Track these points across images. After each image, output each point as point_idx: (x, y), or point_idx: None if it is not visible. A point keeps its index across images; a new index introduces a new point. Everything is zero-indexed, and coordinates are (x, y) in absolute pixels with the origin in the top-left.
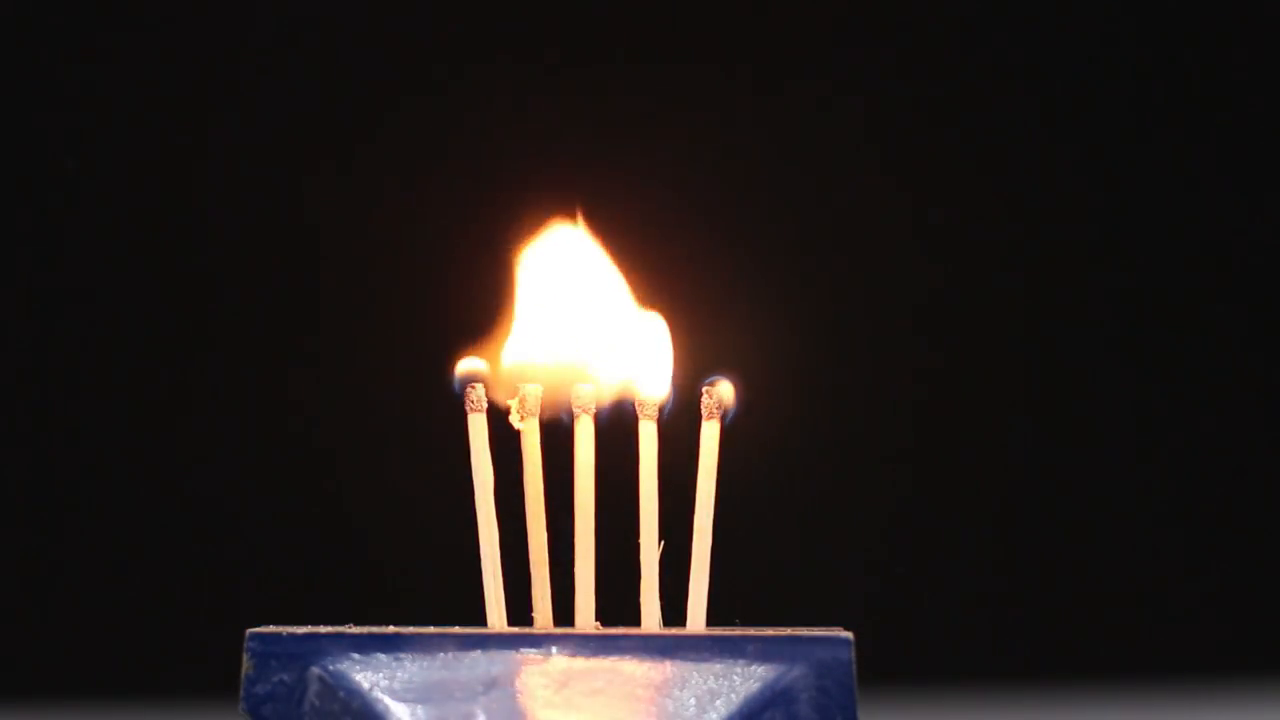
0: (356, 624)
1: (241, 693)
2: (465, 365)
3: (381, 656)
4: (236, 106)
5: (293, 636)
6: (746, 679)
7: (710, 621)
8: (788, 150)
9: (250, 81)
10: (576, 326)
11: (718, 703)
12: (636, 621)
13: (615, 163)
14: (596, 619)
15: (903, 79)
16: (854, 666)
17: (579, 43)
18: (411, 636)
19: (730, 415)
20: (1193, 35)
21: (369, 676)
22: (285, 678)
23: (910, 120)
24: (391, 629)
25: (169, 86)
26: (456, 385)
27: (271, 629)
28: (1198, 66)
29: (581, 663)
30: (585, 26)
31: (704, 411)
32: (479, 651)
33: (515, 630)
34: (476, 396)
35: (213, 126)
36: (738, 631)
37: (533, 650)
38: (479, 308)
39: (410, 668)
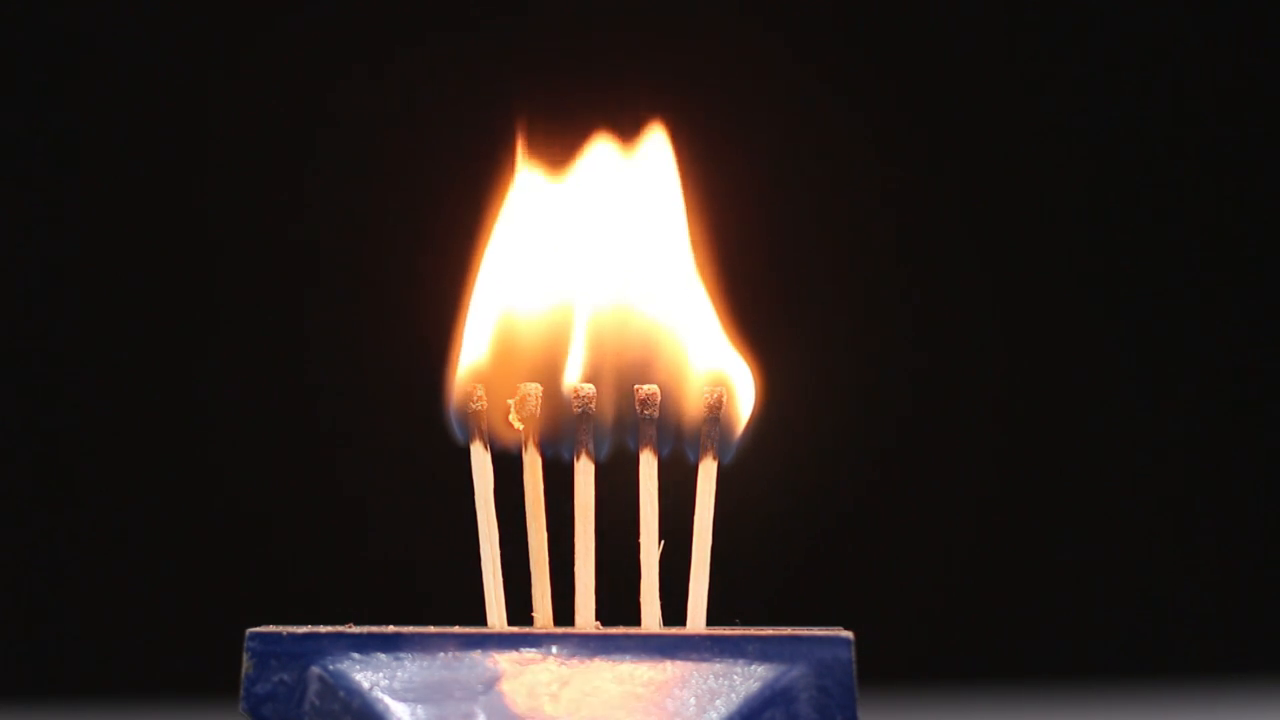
0: (357, 624)
1: (241, 693)
2: (461, 382)
3: (381, 656)
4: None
5: (293, 636)
6: (746, 679)
7: (710, 621)
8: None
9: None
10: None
11: (718, 702)
12: (636, 621)
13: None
14: (596, 619)
15: (937, 83)
16: (854, 666)
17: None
18: (411, 636)
19: (730, 449)
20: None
21: (369, 676)
22: (285, 677)
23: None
24: (391, 629)
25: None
26: (454, 414)
27: (271, 629)
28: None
29: (581, 663)
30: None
31: (705, 409)
32: (479, 651)
33: (515, 630)
34: (478, 396)
35: (214, 123)
36: (738, 631)
37: (533, 650)
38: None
39: (410, 668)
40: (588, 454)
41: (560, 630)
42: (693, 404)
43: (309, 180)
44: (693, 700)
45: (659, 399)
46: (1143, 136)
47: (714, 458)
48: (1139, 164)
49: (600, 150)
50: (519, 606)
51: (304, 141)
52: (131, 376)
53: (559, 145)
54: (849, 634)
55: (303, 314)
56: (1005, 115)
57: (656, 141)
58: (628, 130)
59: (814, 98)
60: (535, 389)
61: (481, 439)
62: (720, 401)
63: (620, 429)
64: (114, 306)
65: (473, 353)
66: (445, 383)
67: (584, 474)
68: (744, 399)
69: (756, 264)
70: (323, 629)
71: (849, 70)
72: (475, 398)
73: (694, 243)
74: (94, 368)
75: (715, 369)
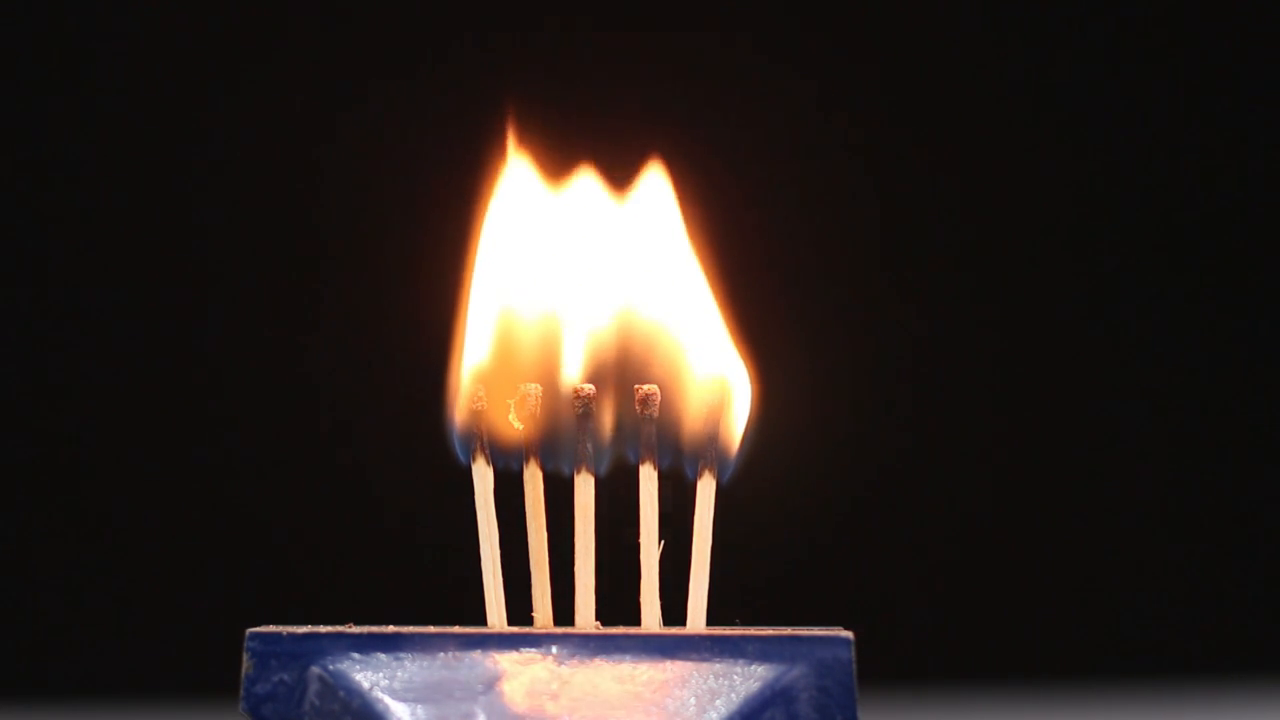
0: (356, 624)
1: (241, 693)
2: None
3: (381, 656)
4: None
5: (293, 636)
6: (746, 679)
7: (710, 621)
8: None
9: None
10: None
11: (718, 702)
12: (636, 621)
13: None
14: (596, 619)
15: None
16: (854, 666)
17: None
18: (411, 636)
19: (729, 467)
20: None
21: (369, 676)
22: (285, 677)
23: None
24: (391, 629)
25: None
26: (456, 435)
27: (271, 629)
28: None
29: (581, 663)
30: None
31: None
32: (479, 651)
33: (515, 630)
34: (479, 396)
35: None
36: (738, 631)
37: (533, 650)
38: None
39: (410, 668)
40: (588, 467)
41: (560, 630)
42: (692, 414)
43: (310, 178)
44: (693, 700)
45: (659, 398)
46: (1147, 136)
47: (713, 475)
48: (1141, 163)
49: (593, 173)
50: (519, 606)
51: (300, 145)
52: (132, 376)
53: (555, 157)
54: (849, 634)
55: (302, 312)
56: (1006, 116)
57: (653, 159)
58: (624, 144)
59: (813, 103)
60: (535, 389)
61: (483, 451)
62: (720, 407)
63: (620, 440)
64: (112, 305)
65: (473, 358)
66: (447, 393)
67: (584, 474)
68: (741, 408)
69: (752, 266)
70: (323, 629)
71: (849, 74)
72: (476, 397)
73: (694, 248)
74: (93, 366)
75: (714, 375)
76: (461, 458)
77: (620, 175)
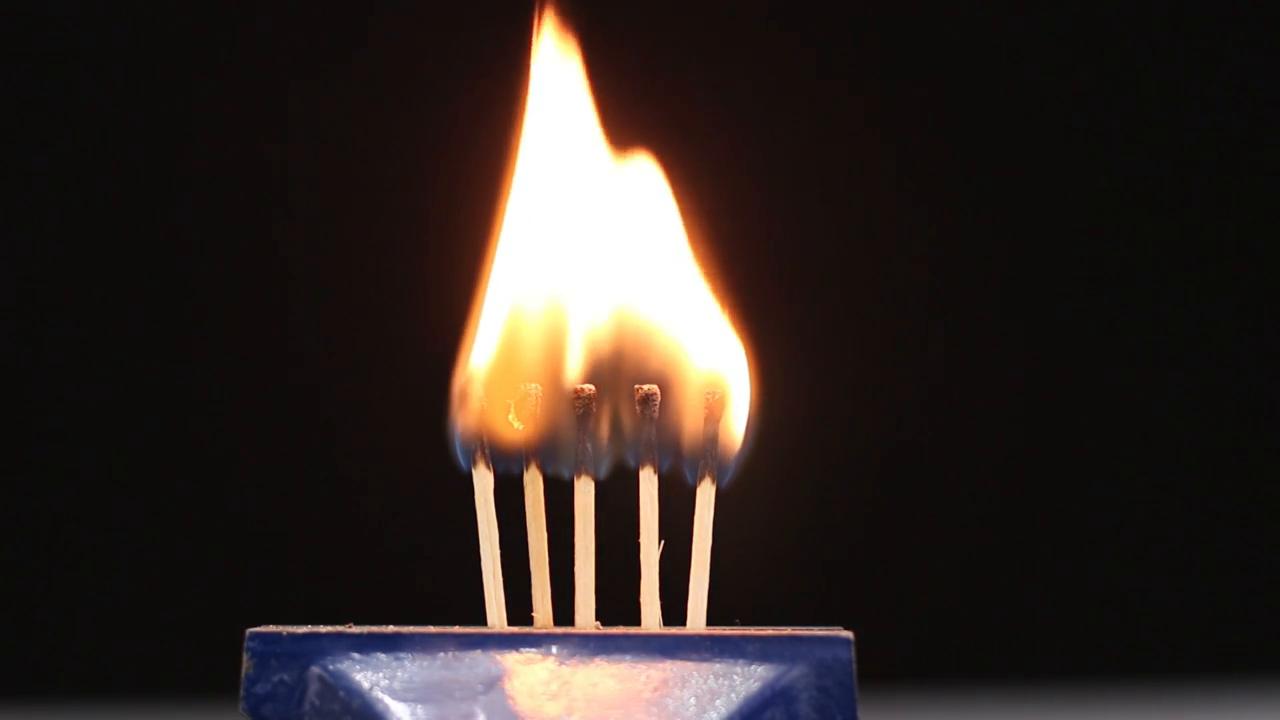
0: (357, 623)
1: (241, 693)
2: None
3: (381, 656)
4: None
5: (293, 636)
6: (746, 679)
7: (710, 621)
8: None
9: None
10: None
11: (718, 702)
12: (636, 621)
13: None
14: (596, 619)
15: (920, 81)
16: (854, 666)
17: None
18: (411, 636)
19: (728, 472)
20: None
21: (369, 676)
22: (285, 677)
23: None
24: (391, 629)
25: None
26: (458, 442)
27: (271, 629)
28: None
29: (581, 663)
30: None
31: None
32: (479, 651)
33: (515, 630)
34: (480, 396)
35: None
36: (738, 631)
37: (533, 650)
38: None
39: (410, 668)
40: (588, 470)
41: (560, 630)
42: (692, 415)
43: (308, 177)
44: (693, 700)
45: (659, 398)
46: (1159, 133)
47: (712, 480)
48: (1145, 158)
49: (595, 148)
50: (519, 606)
51: (296, 145)
52: (132, 376)
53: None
54: (849, 634)
55: (303, 311)
56: (1015, 108)
57: (649, 152)
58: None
59: (817, 95)
60: (536, 389)
61: (484, 455)
62: (719, 408)
63: (620, 442)
64: (110, 301)
65: (478, 359)
66: (449, 393)
67: (584, 474)
68: (741, 410)
69: (754, 262)
70: (323, 629)
71: (854, 65)
72: (478, 400)
73: (692, 245)
74: (95, 365)
75: (714, 376)
76: (463, 464)
77: (618, 142)
